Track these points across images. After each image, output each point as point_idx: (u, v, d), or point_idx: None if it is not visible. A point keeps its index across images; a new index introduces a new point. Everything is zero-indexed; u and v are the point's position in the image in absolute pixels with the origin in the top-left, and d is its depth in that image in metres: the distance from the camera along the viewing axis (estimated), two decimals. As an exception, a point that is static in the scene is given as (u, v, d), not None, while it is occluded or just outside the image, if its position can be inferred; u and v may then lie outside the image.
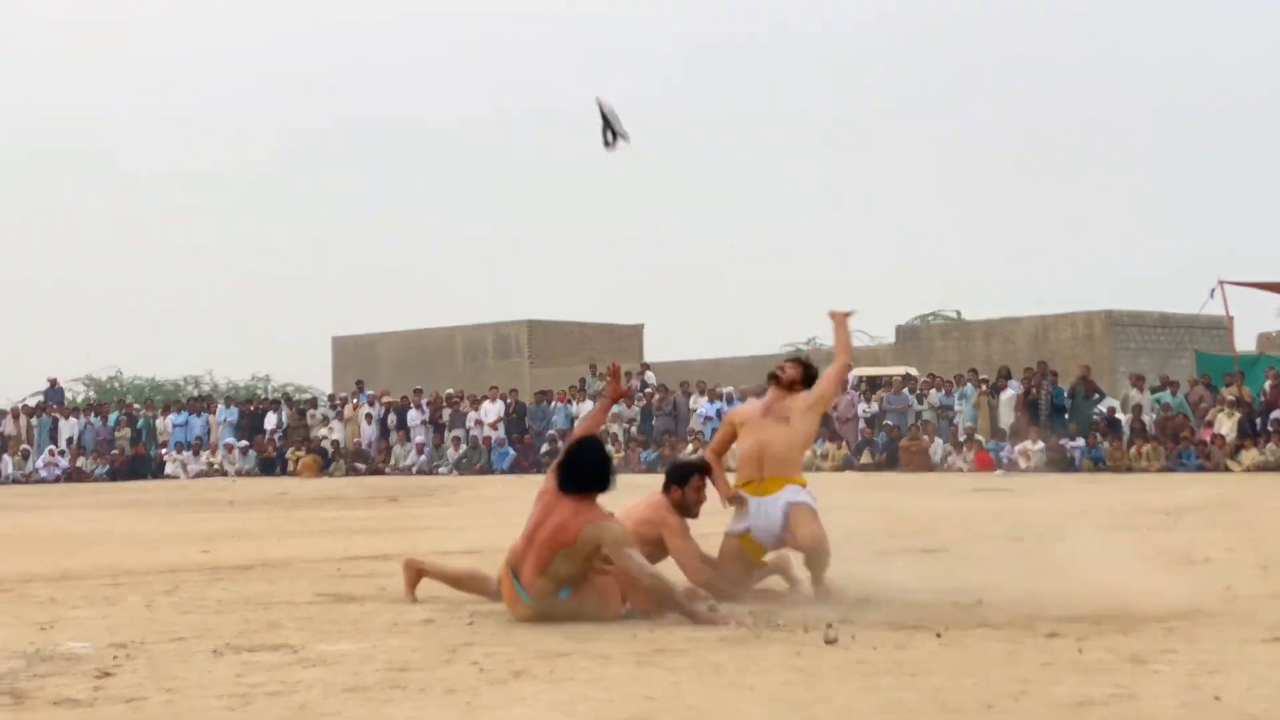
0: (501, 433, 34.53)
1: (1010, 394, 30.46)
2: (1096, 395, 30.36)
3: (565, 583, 7.07)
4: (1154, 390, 30.59)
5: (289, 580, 9.33)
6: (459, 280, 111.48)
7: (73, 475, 35.83)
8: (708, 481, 8.08)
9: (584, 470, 7.22)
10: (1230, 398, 28.56)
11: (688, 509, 8.04)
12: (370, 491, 23.53)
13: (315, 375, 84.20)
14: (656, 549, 7.92)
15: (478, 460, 33.72)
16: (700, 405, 34.01)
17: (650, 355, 55.47)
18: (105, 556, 11.36)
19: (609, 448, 7.66)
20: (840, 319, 8.78)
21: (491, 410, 35.03)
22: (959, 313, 58.75)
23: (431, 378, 53.86)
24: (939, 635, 6.30)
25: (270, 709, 4.88)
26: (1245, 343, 45.71)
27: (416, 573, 8.04)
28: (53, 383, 41.70)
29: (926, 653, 5.83)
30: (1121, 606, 7.18)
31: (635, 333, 56.49)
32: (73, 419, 38.24)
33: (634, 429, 34.07)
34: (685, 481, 8.04)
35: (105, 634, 6.89)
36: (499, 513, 17.09)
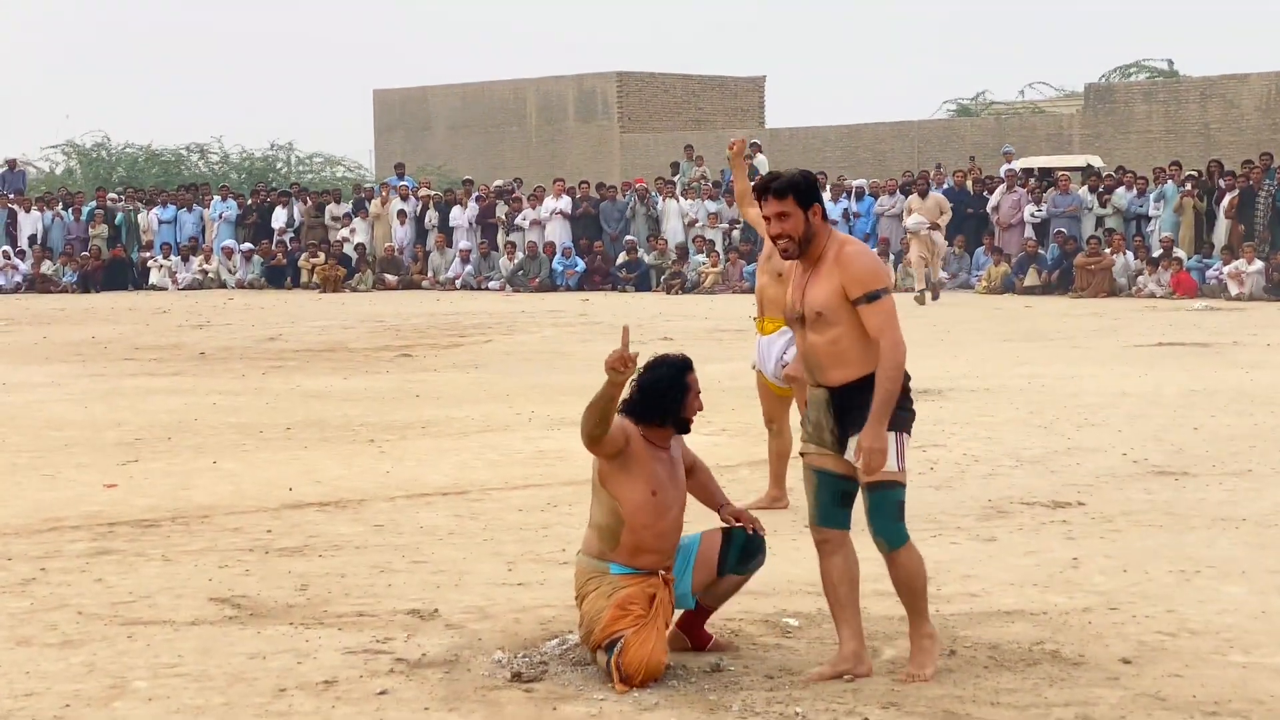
0: (567, 238, 33.84)
1: (1226, 197, 29.21)
2: (1336, 196, 29.06)
3: (604, 536, 6.78)
4: None
5: (191, 561, 8.81)
6: (533, 19, 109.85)
7: (36, 283, 35.82)
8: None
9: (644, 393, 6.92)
10: None
11: None
12: (383, 336, 23.05)
13: (351, 140, 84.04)
14: None
15: (535, 272, 33.16)
16: (820, 203, 33.01)
17: (773, 118, 54.40)
18: (-19, 494, 10.94)
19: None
20: (736, 156, 10.41)
21: (555, 207, 34.29)
22: (1170, 63, 56.86)
23: (497, 145, 53.25)
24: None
25: None
26: None
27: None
28: (11, 164, 41.32)
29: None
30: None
31: (754, 88, 55.22)
32: (36, 212, 38.03)
33: (735, 236, 33.23)
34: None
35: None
36: (533, 387, 16.55)
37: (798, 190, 6.61)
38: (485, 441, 13.06)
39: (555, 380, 17.10)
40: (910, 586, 6.72)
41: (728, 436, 12.85)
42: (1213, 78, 41.96)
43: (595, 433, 6.62)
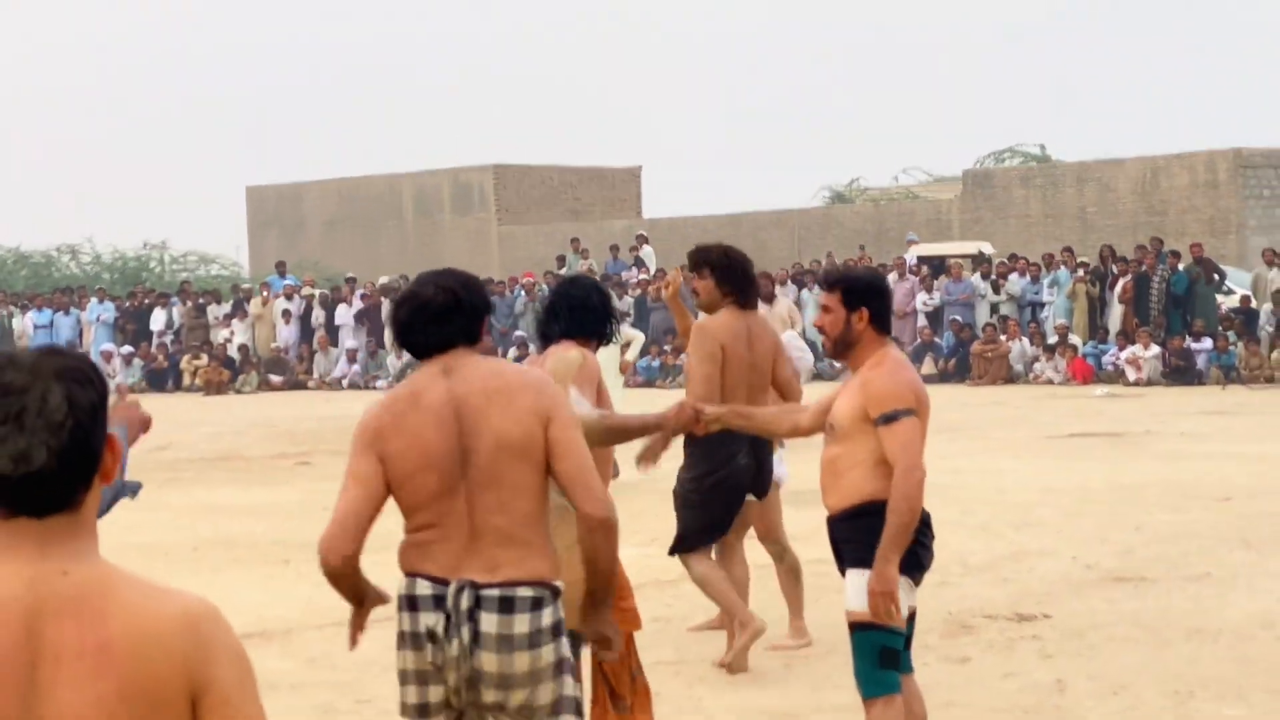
0: (455, 334, 33.34)
1: (1120, 283, 29.22)
2: (1217, 277, 29.15)
3: None
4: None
5: None
6: (407, 115, 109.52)
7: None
8: None
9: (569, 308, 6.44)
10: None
11: None
12: (278, 442, 22.43)
13: (225, 237, 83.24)
14: None
15: (425, 371, 32.57)
16: (711, 295, 32.71)
17: (650, 208, 54.18)
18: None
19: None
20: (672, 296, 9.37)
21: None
22: (1043, 148, 57.37)
23: (373, 240, 52.65)
24: None
25: None
26: None
27: None
28: (-123, 270, 40.32)
29: None
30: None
31: (631, 178, 54.98)
32: (-99, 318, 37.03)
33: (624, 327, 32.82)
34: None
35: None
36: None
37: (846, 286, 5.94)
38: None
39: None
40: None
41: (659, 547, 12.30)
42: (1088, 162, 42.30)
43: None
